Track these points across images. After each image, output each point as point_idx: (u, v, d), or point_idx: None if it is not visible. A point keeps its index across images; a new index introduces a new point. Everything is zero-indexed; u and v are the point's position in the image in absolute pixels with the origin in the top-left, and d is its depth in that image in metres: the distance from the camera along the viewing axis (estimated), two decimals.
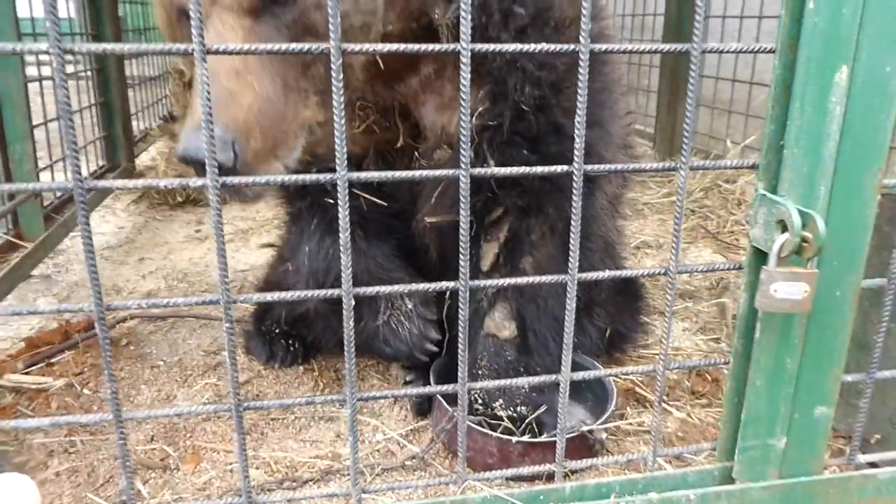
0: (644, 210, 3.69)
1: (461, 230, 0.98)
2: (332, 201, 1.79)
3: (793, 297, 1.01)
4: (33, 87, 2.70)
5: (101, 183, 0.88)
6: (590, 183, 1.67)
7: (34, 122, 2.65)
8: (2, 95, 2.40)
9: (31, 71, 2.96)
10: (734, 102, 4.31)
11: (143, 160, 4.33)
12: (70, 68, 3.34)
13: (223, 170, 1.10)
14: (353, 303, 0.99)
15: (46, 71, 3.08)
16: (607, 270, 1.11)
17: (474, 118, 1.55)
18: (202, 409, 1.03)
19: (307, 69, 1.29)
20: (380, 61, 1.42)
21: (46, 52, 0.80)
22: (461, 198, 0.96)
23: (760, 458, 1.18)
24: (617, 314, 2.05)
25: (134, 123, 4.19)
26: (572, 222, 1.02)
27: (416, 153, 1.69)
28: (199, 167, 1.13)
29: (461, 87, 0.92)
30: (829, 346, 1.12)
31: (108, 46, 0.83)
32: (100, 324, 0.95)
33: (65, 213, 2.86)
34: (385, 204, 1.76)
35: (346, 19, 1.26)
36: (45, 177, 2.99)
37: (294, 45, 0.87)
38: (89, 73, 3.67)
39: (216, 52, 0.85)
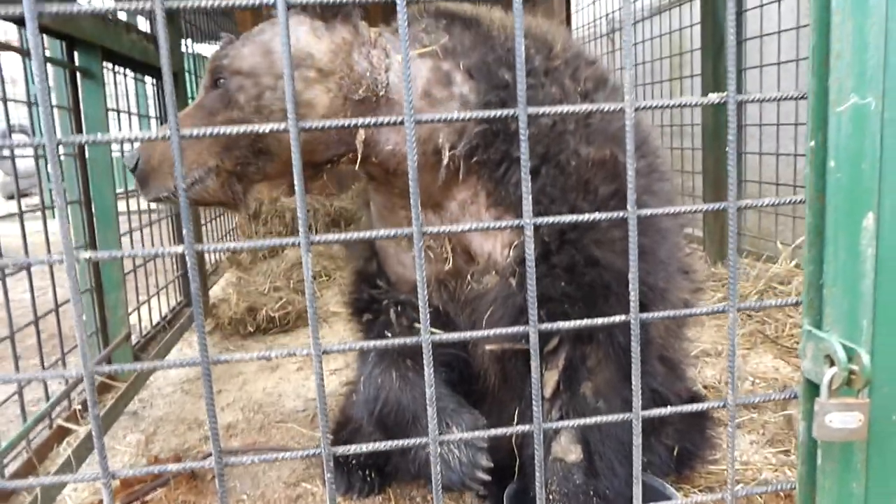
0: (701, 317, 3.72)
1: (533, 380, 1.08)
2: (389, 334, 1.92)
3: (848, 426, 1.07)
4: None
5: (224, 356, 1.02)
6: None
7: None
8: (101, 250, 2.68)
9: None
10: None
11: (215, 292, 4.61)
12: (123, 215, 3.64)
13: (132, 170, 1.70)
14: (439, 449, 1.09)
15: (134, 223, 3.39)
16: (670, 407, 1.19)
17: (511, 250, 1.67)
18: None
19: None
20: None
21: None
22: (532, 352, 1.07)
23: None
24: (685, 432, 2.08)
25: (206, 256, 4.50)
26: (632, 365, 1.12)
27: (469, 277, 1.77)
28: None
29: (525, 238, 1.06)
30: (893, 469, 1.16)
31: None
32: (218, 465, 1.07)
33: (150, 352, 3.07)
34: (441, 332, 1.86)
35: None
36: (131, 319, 3.24)
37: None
38: (168, 217, 4.01)
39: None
